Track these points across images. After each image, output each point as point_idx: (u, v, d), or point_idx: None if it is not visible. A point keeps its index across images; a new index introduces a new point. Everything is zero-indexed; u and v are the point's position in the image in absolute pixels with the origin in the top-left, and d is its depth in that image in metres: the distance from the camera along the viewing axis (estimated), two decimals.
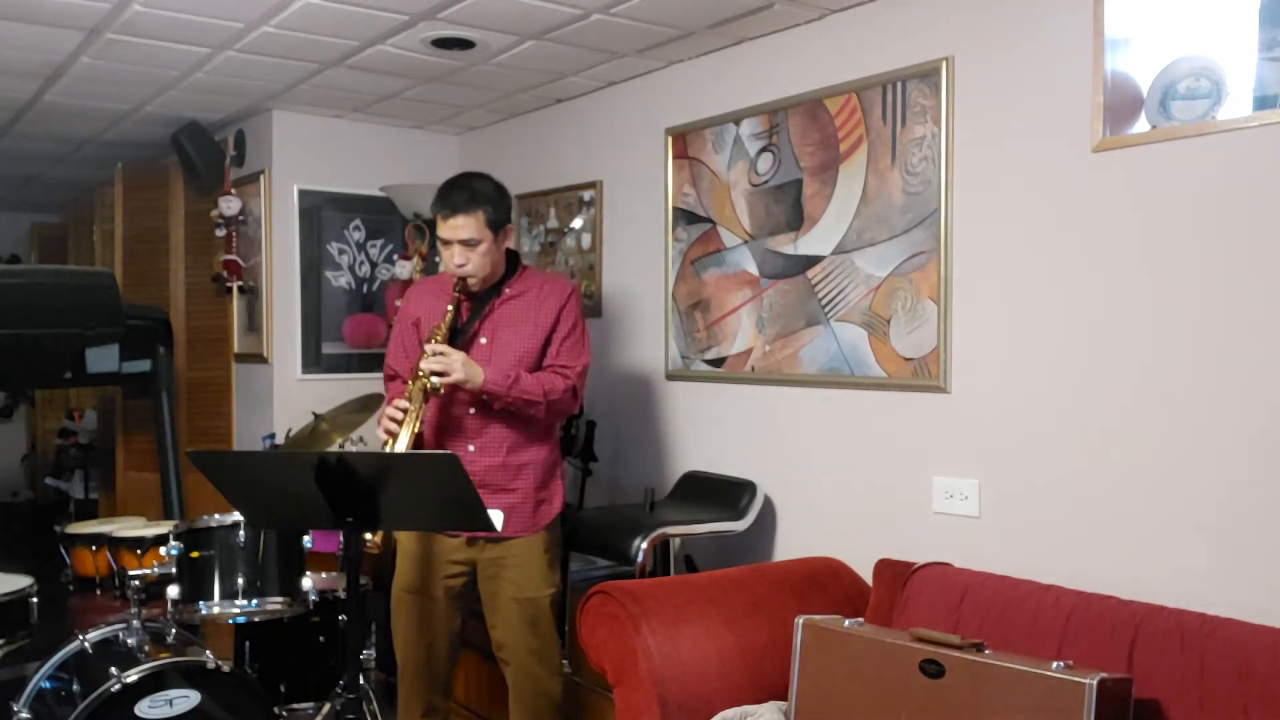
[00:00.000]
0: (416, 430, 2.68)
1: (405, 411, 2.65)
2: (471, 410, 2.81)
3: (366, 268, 4.60)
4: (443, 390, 2.70)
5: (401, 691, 2.94)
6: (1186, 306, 2.29)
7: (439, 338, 2.72)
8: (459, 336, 2.80)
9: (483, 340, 2.84)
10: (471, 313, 2.85)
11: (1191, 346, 2.28)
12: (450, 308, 2.76)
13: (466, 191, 2.75)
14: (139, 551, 3.14)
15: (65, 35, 3.30)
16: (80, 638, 2.77)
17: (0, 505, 7.11)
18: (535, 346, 2.85)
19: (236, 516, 2.80)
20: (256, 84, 3.92)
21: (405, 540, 2.92)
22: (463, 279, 2.77)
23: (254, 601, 2.82)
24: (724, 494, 3.23)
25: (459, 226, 2.73)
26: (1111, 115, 2.40)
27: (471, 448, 2.81)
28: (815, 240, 3.10)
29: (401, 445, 2.62)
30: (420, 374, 2.68)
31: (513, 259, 2.92)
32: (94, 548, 3.23)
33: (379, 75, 3.78)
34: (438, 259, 4.41)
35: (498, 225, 2.77)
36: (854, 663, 2.24)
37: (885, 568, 2.71)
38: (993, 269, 2.67)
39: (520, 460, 2.83)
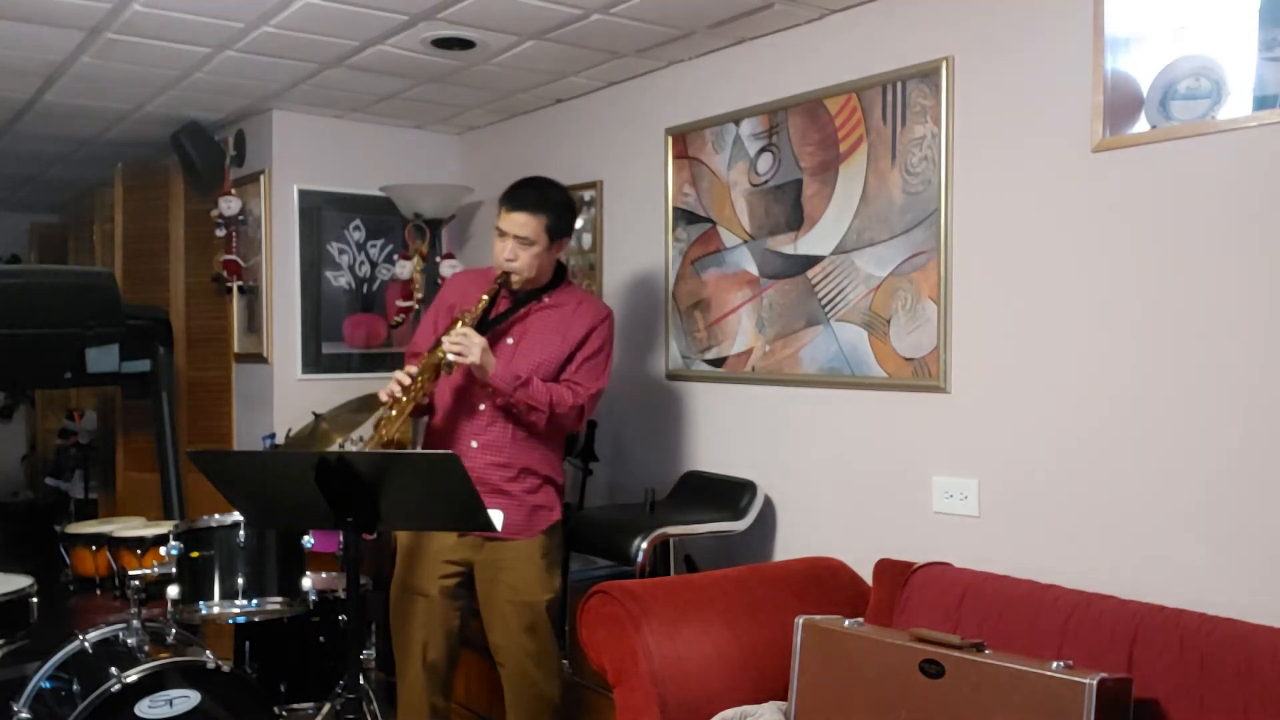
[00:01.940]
0: (422, 401, 2.73)
1: (413, 379, 2.67)
2: (481, 406, 2.82)
3: (366, 268, 4.60)
4: (455, 370, 2.72)
5: (401, 692, 2.94)
6: (1186, 306, 2.29)
7: (468, 320, 2.74)
8: (488, 328, 2.81)
9: (509, 341, 2.86)
10: (506, 310, 2.87)
11: (1192, 346, 2.28)
12: (486, 296, 2.78)
13: (537, 193, 2.81)
14: (139, 551, 3.14)
15: (65, 35, 3.30)
16: (80, 638, 2.76)
17: (0, 505, 7.10)
18: (558, 358, 2.85)
19: (236, 516, 2.80)
20: (256, 84, 3.92)
21: (403, 538, 2.93)
22: (506, 274, 2.79)
23: (254, 601, 2.82)
24: (724, 494, 3.23)
25: (520, 223, 2.76)
26: (1111, 115, 2.40)
27: (475, 443, 2.81)
28: (815, 240, 3.10)
29: (396, 416, 2.65)
30: (439, 349, 2.69)
31: (560, 272, 2.95)
32: (94, 548, 3.23)
33: (379, 75, 3.78)
34: (437, 259, 4.44)
35: (556, 234, 2.82)
36: (854, 663, 2.24)
37: (885, 568, 2.71)
38: (993, 269, 2.67)
39: (522, 464, 2.83)
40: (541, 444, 2.87)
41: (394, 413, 2.67)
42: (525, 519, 2.83)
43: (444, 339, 2.70)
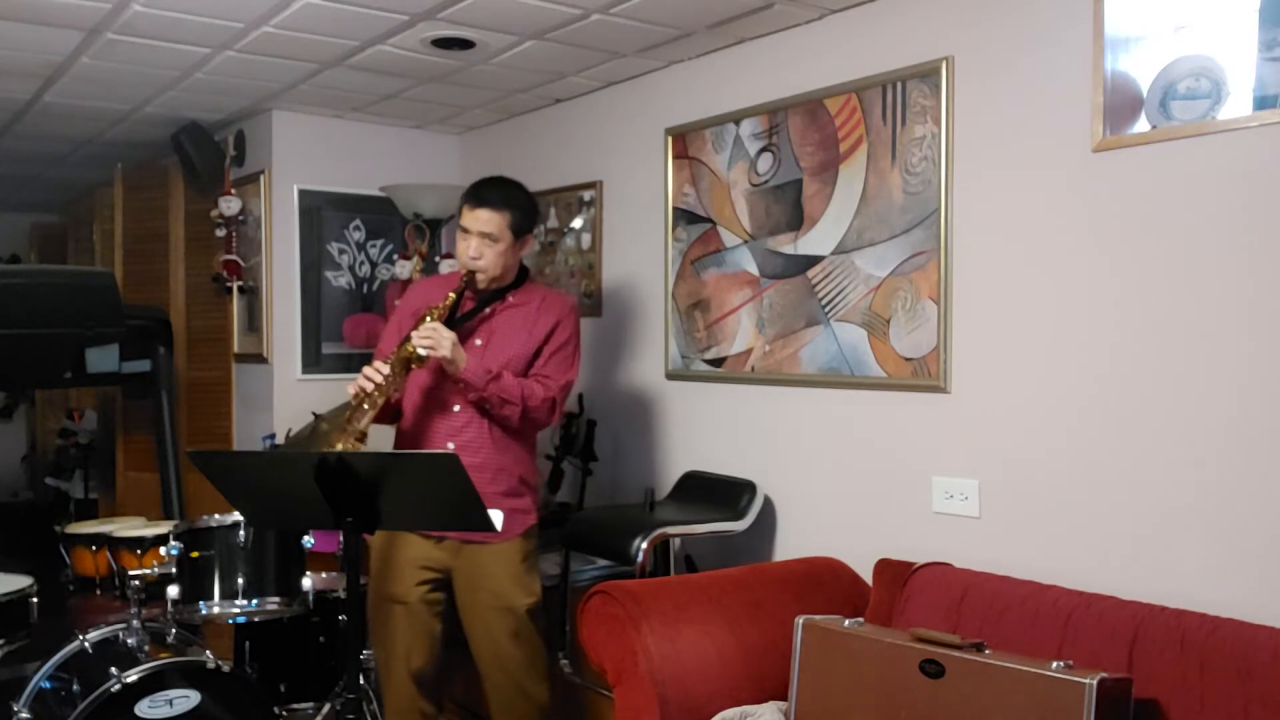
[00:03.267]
0: (393, 397, 2.71)
1: (385, 377, 2.64)
2: (456, 406, 2.81)
3: (366, 268, 4.60)
4: (425, 365, 2.71)
5: (388, 701, 2.90)
6: (1186, 306, 2.29)
7: (436, 315, 2.73)
8: (455, 325, 2.80)
9: (478, 342, 2.85)
10: (472, 310, 2.86)
11: (1192, 346, 2.28)
12: (452, 294, 2.77)
13: (501, 190, 2.81)
14: (139, 551, 3.14)
15: (65, 35, 3.30)
16: (80, 638, 2.77)
17: (0, 505, 7.10)
18: (526, 354, 2.85)
19: (236, 516, 2.80)
20: (256, 84, 3.92)
21: (375, 543, 2.89)
22: (471, 273, 2.79)
23: (254, 601, 2.82)
24: (724, 494, 3.22)
25: (483, 220, 2.76)
26: (1111, 115, 2.40)
27: (451, 445, 2.79)
28: (815, 240, 3.10)
29: (368, 410, 2.63)
30: (408, 344, 2.68)
31: (523, 272, 2.95)
32: (94, 548, 3.23)
33: (379, 75, 3.78)
34: (437, 259, 4.44)
35: (519, 231, 2.82)
36: (854, 663, 2.24)
37: (885, 568, 2.71)
38: (993, 269, 2.67)
39: (499, 465, 2.81)
40: (516, 444, 2.86)
41: (365, 407, 2.64)
42: (505, 522, 2.81)
43: (413, 334, 2.69)
